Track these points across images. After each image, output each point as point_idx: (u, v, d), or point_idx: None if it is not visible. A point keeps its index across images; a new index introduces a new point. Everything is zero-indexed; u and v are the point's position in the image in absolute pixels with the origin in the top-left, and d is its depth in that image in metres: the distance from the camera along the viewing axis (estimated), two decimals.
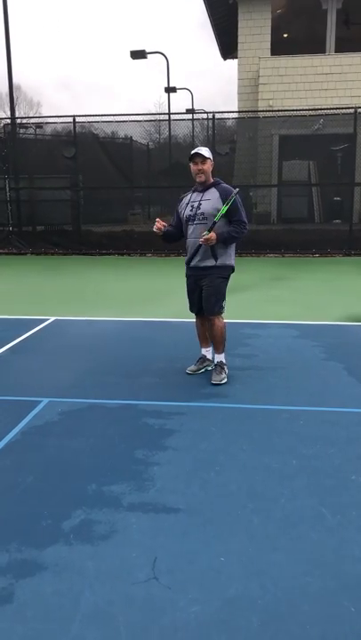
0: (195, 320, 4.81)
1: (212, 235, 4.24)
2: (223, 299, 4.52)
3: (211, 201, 4.35)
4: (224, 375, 4.49)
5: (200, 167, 4.34)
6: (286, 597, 2.17)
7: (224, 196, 4.32)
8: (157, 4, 75.13)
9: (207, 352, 4.77)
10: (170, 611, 2.11)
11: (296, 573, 2.31)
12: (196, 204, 4.41)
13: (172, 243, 4.78)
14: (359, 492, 2.91)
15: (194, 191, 4.51)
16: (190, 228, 4.45)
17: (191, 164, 4.40)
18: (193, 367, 4.78)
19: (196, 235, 4.38)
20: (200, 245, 4.33)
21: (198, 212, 4.38)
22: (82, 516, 2.72)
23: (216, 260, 4.39)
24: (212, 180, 4.44)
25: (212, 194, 4.38)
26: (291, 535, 2.56)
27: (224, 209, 4.26)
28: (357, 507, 2.77)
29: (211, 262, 4.40)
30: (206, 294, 4.47)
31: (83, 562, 2.39)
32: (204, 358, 4.78)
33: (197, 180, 4.41)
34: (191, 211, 4.42)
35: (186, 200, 4.53)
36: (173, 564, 2.36)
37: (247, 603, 2.15)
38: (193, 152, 4.38)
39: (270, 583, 2.25)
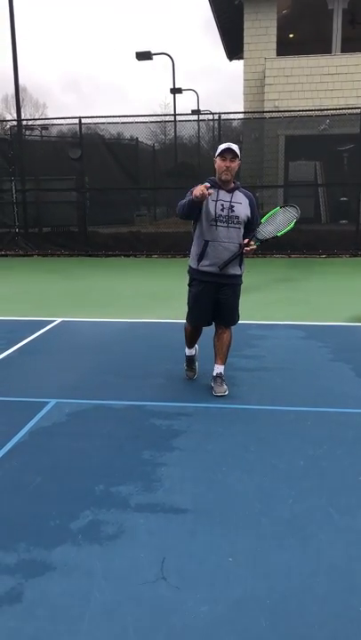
0: (185, 322, 4.54)
1: (253, 246, 4.11)
2: None
3: (242, 205, 4.11)
4: (225, 387, 4.32)
5: (229, 164, 4.00)
6: (294, 598, 2.18)
7: (251, 203, 4.16)
8: (164, 4, 75.24)
9: (194, 350, 4.64)
10: (178, 611, 2.11)
11: (304, 574, 2.31)
12: (227, 205, 4.07)
13: (186, 217, 4.16)
14: None
15: (217, 187, 4.09)
16: (221, 230, 4.07)
17: (218, 160, 4.03)
18: (191, 373, 4.68)
19: (231, 239, 4.09)
20: (241, 253, 4.13)
21: (232, 214, 4.07)
22: (90, 516, 2.73)
23: (241, 267, 4.25)
24: (233, 183, 4.15)
25: (241, 198, 4.13)
26: (299, 536, 2.56)
27: (290, 226, 4.21)
28: None
29: (237, 270, 4.22)
30: (230, 304, 4.27)
31: (91, 562, 2.40)
32: (193, 358, 4.66)
33: (223, 177, 4.04)
34: (222, 210, 4.06)
35: (216, 195, 4.08)
36: (182, 565, 2.37)
37: (255, 603, 2.15)
38: (224, 147, 4.02)
39: (278, 583, 2.25)
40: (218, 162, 4.07)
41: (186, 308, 4.44)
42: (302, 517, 2.70)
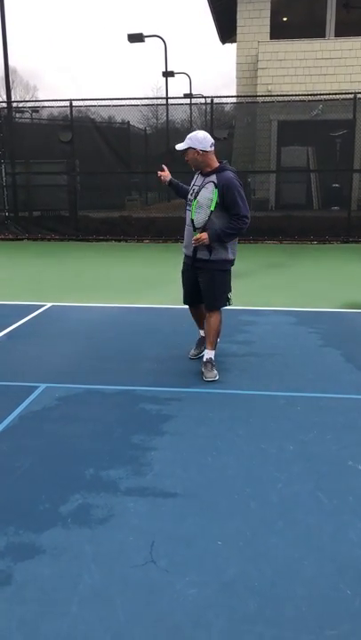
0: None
1: (203, 235, 4.05)
2: (226, 292, 4.32)
3: (207, 190, 4.10)
4: (215, 372, 4.32)
5: (186, 159, 4.22)
6: (283, 580, 2.19)
7: (221, 186, 4.05)
8: None
9: (202, 332, 4.70)
10: (167, 593, 2.13)
11: (293, 557, 2.33)
12: (195, 189, 4.22)
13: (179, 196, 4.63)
14: (355, 477, 2.92)
15: (200, 173, 4.27)
16: (188, 214, 4.27)
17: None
18: (193, 352, 4.75)
19: (188, 223, 4.26)
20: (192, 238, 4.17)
21: (193, 199, 4.19)
22: (80, 500, 2.74)
23: (210, 253, 4.16)
24: (215, 166, 4.16)
25: (210, 182, 4.11)
26: (288, 519, 2.58)
27: (213, 203, 4.05)
28: (353, 492, 2.79)
29: (205, 255, 4.18)
30: (204, 289, 4.31)
31: (81, 545, 2.40)
32: (202, 340, 4.69)
33: (193, 168, 4.28)
34: (191, 195, 4.25)
35: (194, 179, 4.33)
36: (171, 548, 2.38)
37: (244, 586, 2.16)
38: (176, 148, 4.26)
39: (267, 566, 2.27)
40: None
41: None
42: (291, 501, 2.72)
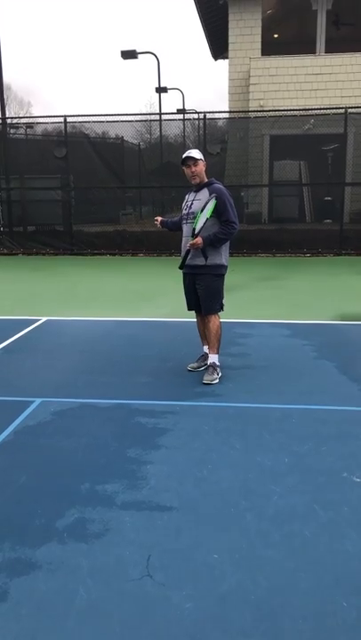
0: (194, 319, 4.91)
1: (198, 240, 4.32)
2: (220, 297, 4.59)
3: (201, 201, 4.42)
4: (216, 376, 4.50)
5: (193, 169, 4.42)
6: (279, 593, 2.19)
7: (215, 197, 4.35)
8: (152, 5, 74.96)
9: (205, 347, 4.81)
10: (164, 607, 2.12)
11: (289, 569, 2.33)
12: (189, 204, 4.53)
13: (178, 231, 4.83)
14: (350, 488, 2.93)
15: (192, 190, 4.59)
16: (184, 227, 4.55)
17: (184, 168, 4.47)
18: (194, 364, 4.82)
19: (188, 233, 4.48)
20: (193, 246, 4.40)
21: (190, 211, 4.49)
22: (75, 514, 2.73)
23: (206, 258, 4.43)
24: (206, 180, 4.50)
25: (203, 194, 4.44)
26: (283, 532, 2.58)
27: (210, 211, 4.34)
28: (349, 503, 2.79)
29: (201, 261, 4.45)
30: (202, 295, 4.54)
31: (77, 560, 2.39)
32: (205, 356, 4.78)
33: (192, 182, 4.50)
34: (186, 209, 4.55)
35: (186, 198, 4.62)
36: (167, 562, 2.38)
37: (240, 598, 2.16)
38: (184, 156, 4.46)
39: (263, 579, 2.27)
40: (185, 170, 4.47)
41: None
42: (287, 513, 2.72)
